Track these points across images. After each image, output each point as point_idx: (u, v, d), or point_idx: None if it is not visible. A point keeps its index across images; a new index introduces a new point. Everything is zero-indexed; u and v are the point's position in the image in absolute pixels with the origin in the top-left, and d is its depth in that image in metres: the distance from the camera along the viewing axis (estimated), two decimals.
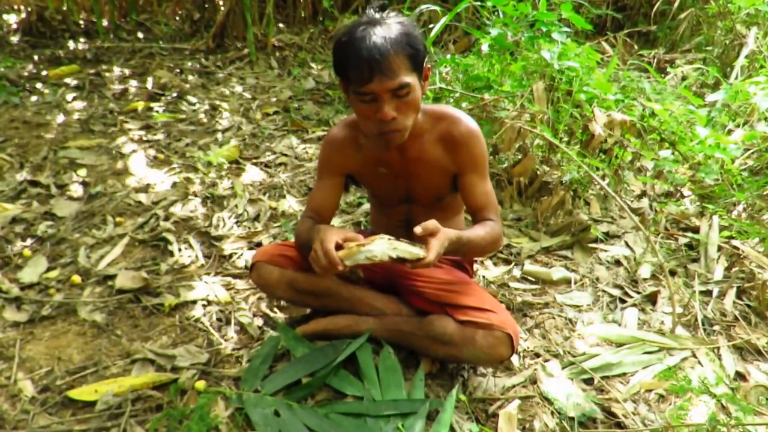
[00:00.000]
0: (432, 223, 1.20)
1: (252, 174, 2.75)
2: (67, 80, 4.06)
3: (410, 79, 1.21)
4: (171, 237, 2.12)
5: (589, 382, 1.49)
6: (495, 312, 1.36)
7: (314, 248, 1.22)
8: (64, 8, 5.38)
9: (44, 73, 4.14)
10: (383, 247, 1.18)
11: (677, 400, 1.42)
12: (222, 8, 4.93)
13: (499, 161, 2.52)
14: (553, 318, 1.76)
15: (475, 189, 1.42)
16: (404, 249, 1.19)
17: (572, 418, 1.35)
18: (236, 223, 2.30)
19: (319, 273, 1.23)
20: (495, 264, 2.06)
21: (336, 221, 2.31)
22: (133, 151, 2.95)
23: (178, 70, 4.40)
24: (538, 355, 1.58)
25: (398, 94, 1.21)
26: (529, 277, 1.97)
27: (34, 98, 3.68)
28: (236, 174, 2.75)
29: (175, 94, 3.86)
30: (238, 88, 4.12)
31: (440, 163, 1.41)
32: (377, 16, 1.23)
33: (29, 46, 4.86)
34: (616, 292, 1.90)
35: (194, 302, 1.78)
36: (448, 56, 2.95)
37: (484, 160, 1.42)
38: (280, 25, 5.50)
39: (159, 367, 1.49)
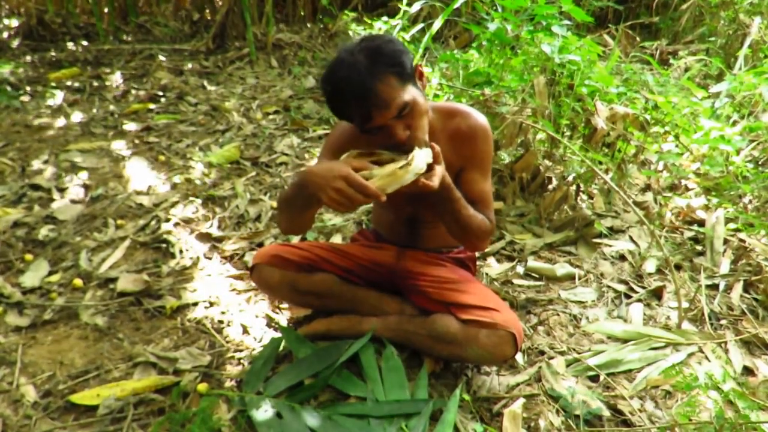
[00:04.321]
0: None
1: (253, 174, 2.74)
2: (68, 83, 4.06)
3: (406, 95, 1.16)
4: (172, 239, 2.11)
5: (594, 379, 1.48)
6: (498, 310, 1.35)
7: (337, 187, 1.07)
8: (64, 11, 5.38)
9: (45, 76, 4.15)
10: (423, 157, 1.11)
11: (684, 396, 1.41)
12: (221, 8, 4.91)
13: (500, 157, 2.50)
14: (558, 315, 1.74)
15: (474, 185, 1.39)
16: (425, 155, 1.14)
17: (578, 416, 1.33)
18: (237, 223, 2.30)
19: (346, 209, 1.11)
20: (498, 261, 2.04)
21: (337, 219, 2.30)
22: (134, 153, 2.94)
23: (178, 71, 4.39)
24: (542, 353, 1.57)
25: (402, 115, 1.17)
26: (533, 274, 1.96)
27: (35, 102, 3.68)
28: (237, 174, 2.74)
29: (175, 95, 3.85)
30: (239, 88, 4.11)
31: (448, 160, 1.38)
32: (349, 48, 1.18)
33: (30, 49, 4.86)
34: (621, 288, 1.88)
35: (196, 304, 1.77)
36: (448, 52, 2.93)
37: (488, 158, 1.39)
38: (280, 24, 5.49)
39: (161, 370, 1.49)
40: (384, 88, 1.13)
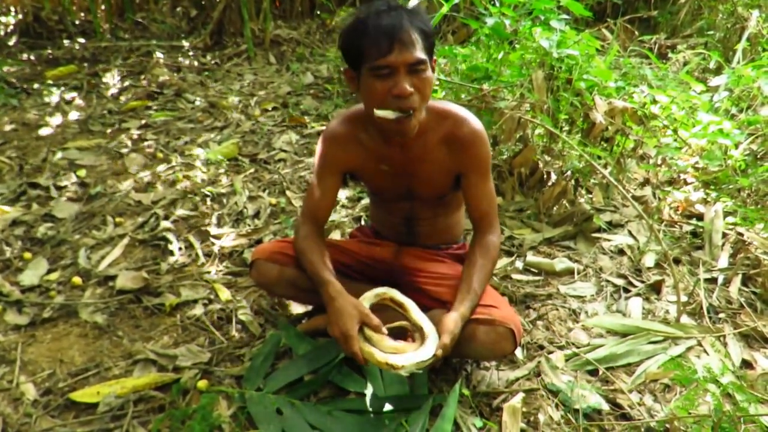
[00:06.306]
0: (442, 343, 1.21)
1: (251, 171, 2.74)
2: (65, 81, 4.05)
3: (425, 56, 1.20)
4: (171, 236, 2.11)
5: (593, 373, 1.48)
6: (497, 307, 1.34)
7: (338, 336, 1.22)
8: (61, 8, 5.36)
9: (42, 74, 4.13)
10: (412, 368, 1.16)
11: (683, 390, 1.41)
12: (219, 4, 4.89)
13: (499, 152, 2.49)
14: (557, 309, 1.75)
15: (478, 191, 1.39)
16: (424, 356, 1.17)
17: (577, 410, 1.33)
18: (236, 220, 2.29)
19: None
20: None
21: (336, 216, 2.30)
22: (132, 150, 2.94)
23: (175, 68, 4.38)
24: (541, 347, 1.57)
25: (415, 69, 1.19)
26: (532, 269, 1.96)
27: (32, 100, 3.67)
28: (235, 171, 2.74)
29: (173, 92, 3.85)
30: (237, 85, 4.10)
31: (443, 163, 1.38)
32: (390, 2, 1.23)
33: (26, 47, 4.85)
34: (620, 282, 1.88)
35: (195, 301, 1.77)
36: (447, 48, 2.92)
37: (487, 162, 1.40)
38: (278, 20, 5.47)
39: (161, 367, 1.49)
40: (414, 34, 1.18)
